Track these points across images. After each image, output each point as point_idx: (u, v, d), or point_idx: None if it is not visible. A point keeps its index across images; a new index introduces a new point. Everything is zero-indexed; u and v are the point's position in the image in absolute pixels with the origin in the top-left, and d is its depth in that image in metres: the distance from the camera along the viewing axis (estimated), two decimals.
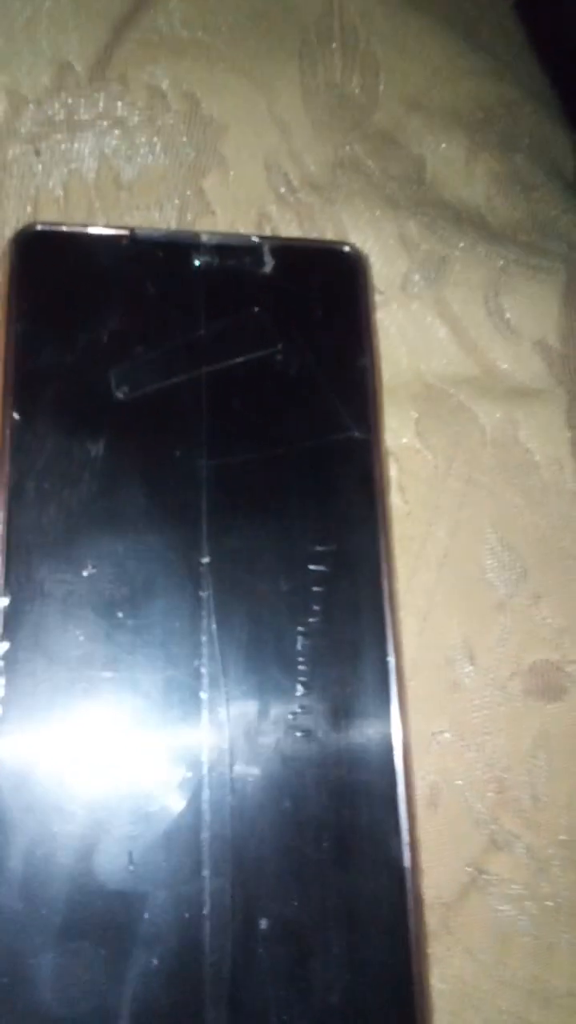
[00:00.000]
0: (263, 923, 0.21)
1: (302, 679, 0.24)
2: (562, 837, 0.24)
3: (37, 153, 0.28)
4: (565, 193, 0.34)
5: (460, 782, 0.24)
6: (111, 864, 0.21)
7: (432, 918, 0.23)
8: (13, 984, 0.20)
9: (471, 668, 0.25)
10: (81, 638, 0.23)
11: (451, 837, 0.24)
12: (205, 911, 0.21)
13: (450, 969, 0.23)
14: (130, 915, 0.21)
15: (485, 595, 0.26)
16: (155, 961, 0.21)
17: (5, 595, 0.23)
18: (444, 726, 0.24)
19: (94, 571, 0.23)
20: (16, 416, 0.24)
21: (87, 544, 0.24)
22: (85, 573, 0.23)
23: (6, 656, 0.22)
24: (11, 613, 0.23)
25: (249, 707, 0.23)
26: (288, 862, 0.22)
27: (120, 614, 0.23)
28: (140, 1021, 0.20)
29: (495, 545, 0.26)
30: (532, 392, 0.29)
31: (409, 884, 0.22)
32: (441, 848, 0.23)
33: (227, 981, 0.21)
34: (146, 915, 0.21)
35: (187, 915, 0.21)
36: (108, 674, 0.23)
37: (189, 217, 0.29)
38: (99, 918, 0.21)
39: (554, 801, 0.24)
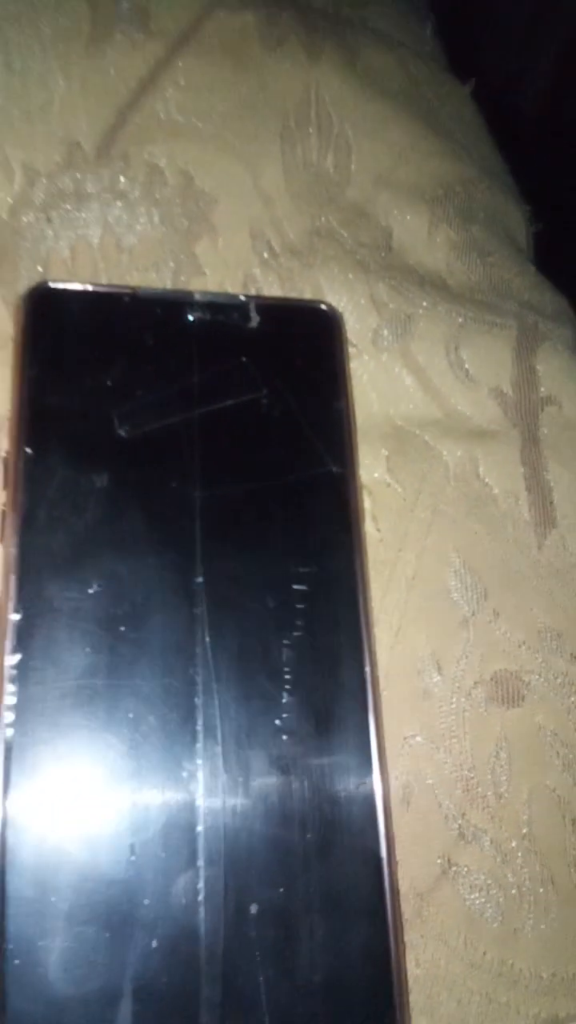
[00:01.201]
0: (253, 908, 0.23)
1: (287, 687, 0.26)
2: (524, 830, 0.26)
3: (48, 220, 0.31)
4: (517, 258, 0.38)
5: (431, 781, 0.26)
6: (115, 856, 0.23)
7: (407, 907, 0.25)
8: (26, 965, 0.22)
9: (439, 678, 0.27)
10: (87, 650, 0.25)
11: (423, 832, 0.26)
12: (200, 898, 0.23)
13: (424, 954, 0.25)
14: (132, 902, 0.23)
15: (450, 612, 0.28)
16: (155, 943, 0.23)
17: (18, 611, 0.25)
18: (415, 730, 0.27)
19: (99, 589, 0.26)
20: (29, 451, 0.27)
21: (92, 565, 0.26)
22: (91, 591, 0.26)
23: (18, 667, 0.24)
24: (23, 627, 0.25)
25: (239, 712, 0.25)
26: (275, 853, 0.24)
27: (122, 628, 0.26)
28: (142, 997, 0.22)
29: (459, 568, 0.29)
30: (489, 433, 0.32)
31: (386, 875, 0.24)
32: (414, 842, 0.26)
33: (220, 961, 0.23)
34: (146, 901, 0.23)
35: (184, 901, 0.23)
36: (111, 682, 0.25)
37: (183, 278, 0.32)
38: (104, 905, 0.23)
39: (516, 797, 0.27)
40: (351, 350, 0.32)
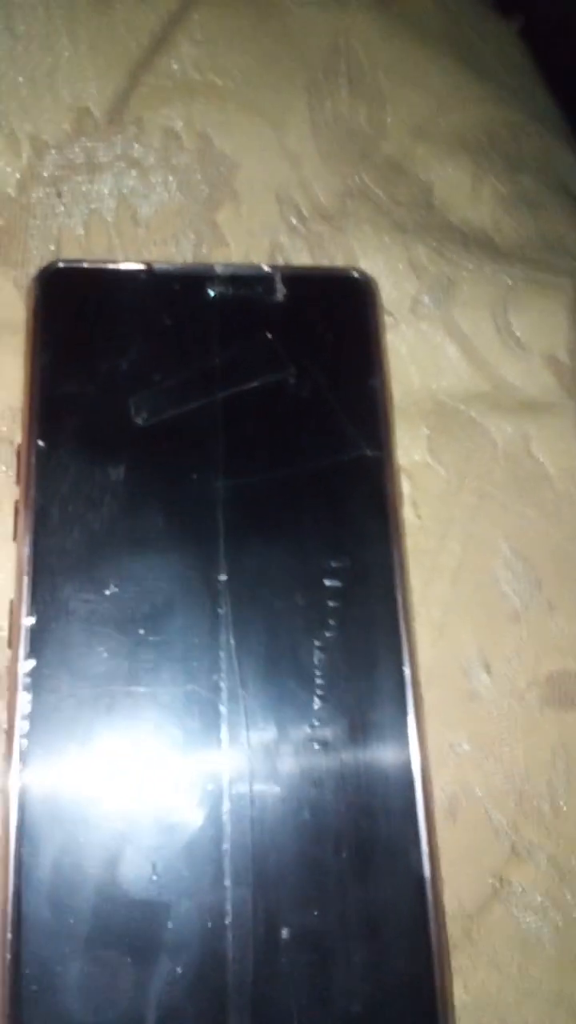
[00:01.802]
0: (284, 933, 0.22)
1: (319, 692, 0.24)
2: None
3: (59, 195, 0.29)
4: (572, 210, 0.35)
5: (479, 793, 0.24)
6: (136, 875, 0.22)
7: (455, 929, 0.23)
8: (42, 991, 0.21)
9: (487, 679, 0.25)
10: (104, 655, 0.24)
11: (471, 848, 0.24)
12: (227, 921, 0.22)
13: (474, 980, 0.23)
14: (154, 924, 0.21)
15: (500, 606, 0.26)
16: (179, 969, 0.21)
17: (31, 614, 0.24)
18: (462, 737, 0.25)
19: (116, 590, 0.24)
20: (41, 443, 0.25)
21: (109, 564, 0.25)
22: (107, 592, 0.24)
23: (32, 673, 0.23)
24: (37, 631, 0.24)
25: (268, 720, 0.24)
26: (308, 873, 0.22)
27: (141, 631, 0.24)
28: None
29: (509, 556, 0.27)
30: (543, 406, 0.29)
31: (430, 895, 0.22)
32: (462, 859, 0.24)
33: (249, 989, 0.21)
34: (170, 924, 0.21)
35: (210, 924, 0.22)
36: (130, 689, 0.23)
37: (204, 250, 0.30)
38: (124, 928, 0.21)
39: (575, 810, 0.24)
40: (388, 320, 0.30)
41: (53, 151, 0.30)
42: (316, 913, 0.22)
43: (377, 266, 0.31)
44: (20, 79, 0.29)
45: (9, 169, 0.29)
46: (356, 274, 0.29)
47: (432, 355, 0.30)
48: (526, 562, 0.27)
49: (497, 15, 0.39)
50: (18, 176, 0.29)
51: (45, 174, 0.29)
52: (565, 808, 0.24)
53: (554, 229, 0.33)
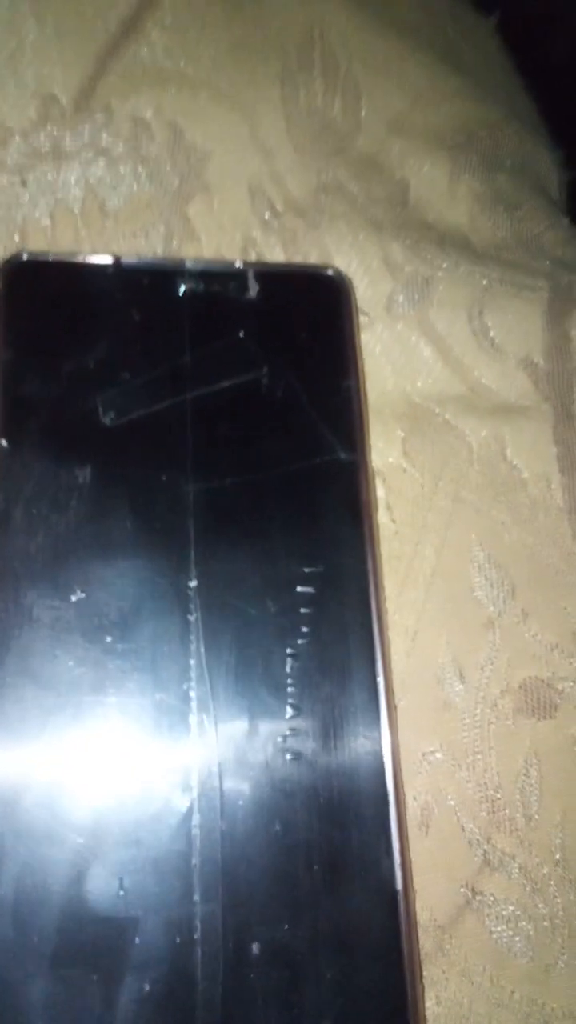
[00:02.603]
0: (255, 948, 0.21)
1: (291, 701, 0.24)
2: (557, 856, 0.24)
3: (24, 184, 0.28)
4: (549, 210, 0.35)
5: (452, 802, 0.24)
6: (102, 890, 0.21)
7: (427, 940, 0.23)
8: (5, 1011, 0.20)
9: (461, 687, 0.25)
10: (70, 663, 0.23)
11: (444, 858, 0.23)
12: (196, 936, 0.21)
13: (446, 992, 0.23)
14: (121, 941, 0.21)
15: (474, 613, 0.26)
16: (146, 987, 0.21)
17: None
18: (435, 746, 0.24)
19: (83, 596, 0.24)
20: (4, 443, 0.25)
21: (75, 569, 0.24)
22: (74, 598, 0.23)
23: None
24: (0, 640, 0.23)
25: (239, 730, 0.23)
26: (279, 886, 0.22)
27: (109, 639, 0.23)
28: None
29: (483, 562, 0.26)
30: (518, 409, 0.29)
31: (402, 906, 0.22)
32: (434, 869, 0.23)
33: (219, 1007, 0.21)
34: (137, 941, 0.21)
35: (178, 940, 0.21)
36: (97, 699, 0.23)
37: (174, 244, 0.29)
38: (90, 944, 0.21)
39: (548, 820, 0.24)
40: (363, 319, 0.29)
41: (17, 138, 0.28)
42: (287, 927, 0.22)
43: (351, 264, 0.30)
44: None
45: None
46: (331, 272, 0.29)
47: (407, 356, 0.29)
48: (500, 568, 0.26)
49: (474, 9, 0.39)
50: None
51: (9, 162, 0.28)
52: (537, 817, 0.24)
53: (531, 229, 0.33)
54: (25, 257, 0.27)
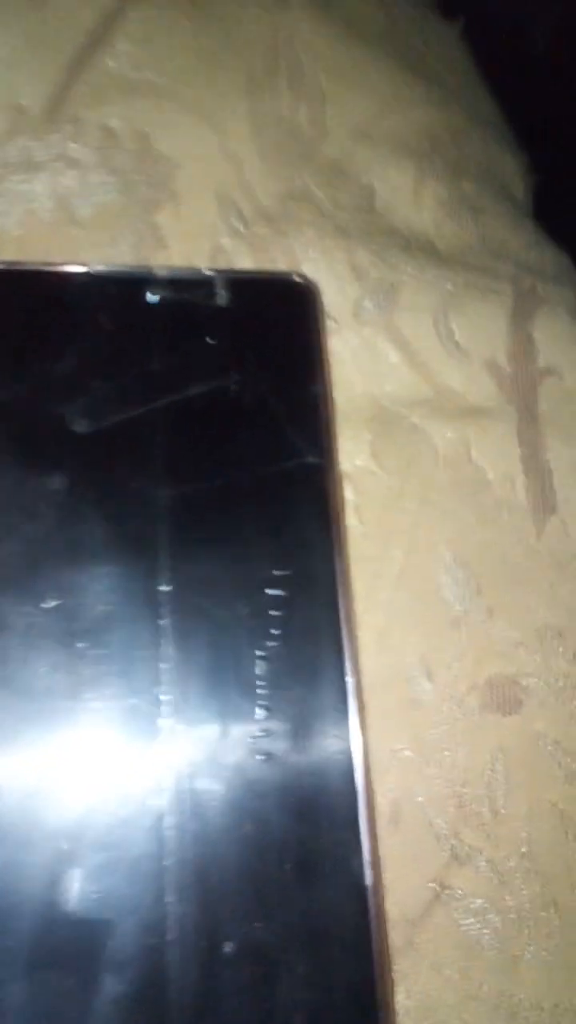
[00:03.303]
0: (227, 947, 0.22)
1: (262, 702, 0.24)
2: (523, 849, 0.24)
3: None
4: (514, 214, 0.35)
5: (421, 798, 0.24)
6: (74, 893, 0.21)
7: (397, 935, 0.23)
8: None
9: (429, 685, 0.25)
10: (43, 669, 0.23)
11: (413, 854, 0.24)
12: (169, 937, 0.21)
13: (416, 985, 0.23)
14: (93, 943, 0.21)
15: (441, 612, 0.26)
16: (120, 988, 0.21)
17: None
18: (404, 743, 0.25)
19: (55, 603, 0.24)
20: None
21: (47, 576, 0.24)
22: (46, 605, 0.24)
23: None
24: None
25: (210, 732, 0.23)
26: (251, 885, 0.22)
27: (80, 644, 0.24)
28: None
29: (449, 562, 0.27)
30: (483, 411, 0.29)
31: (372, 902, 0.22)
32: (403, 865, 0.24)
33: (192, 1007, 0.21)
34: (109, 943, 0.21)
35: (151, 942, 0.21)
36: (70, 704, 0.23)
37: (144, 252, 0.30)
38: (62, 947, 0.21)
39: (514, 814, 0.24)
40: (330, 325, 0.29)
41: None
42: (259, 926, 0.22)
43: (319, 270, 0.30)
44: None
45: None
46: (298, 279, 0.29)
47: (374, 360, 0.30)
48: (466, 568, 0.27)
49: (439, 16, 0.39)
50: None
51: None
52: (504, 811, 0.24)
53: (495, 234, 0.33)
54: None
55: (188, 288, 0.28)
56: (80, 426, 0.26)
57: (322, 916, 0.22)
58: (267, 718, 0.24)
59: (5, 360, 0.26)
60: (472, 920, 0.24)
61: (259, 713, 0.24)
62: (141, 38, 0.31)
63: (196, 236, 0.30)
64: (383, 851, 0.23)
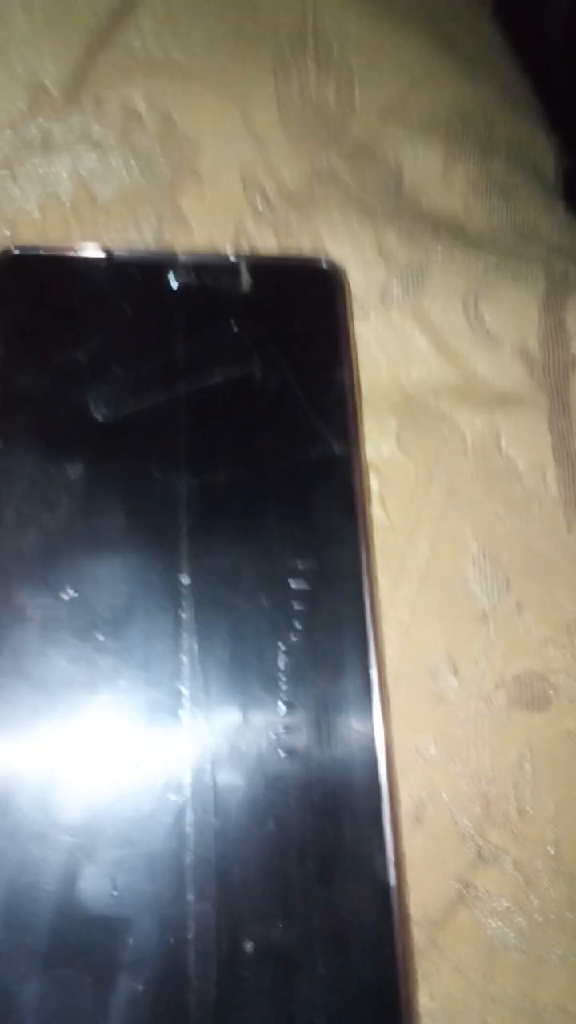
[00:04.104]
0: (248, 946, 0.21)
1: (284, 697, 0.23)
2: (550, 850, 0.24)
3: (14, 177, 0.28)
4: (545, 195, 0.34)
5: (445, 796, 0.24)
6: (94, 890, 0.21)
7: (420, 935, 0.23)
8: None
9: (455, 680, 0.25)
10: (62, 662, 0.23)
11: (437, 853, 0.23)
12: (190, 936, 0.21)
13: (438, 986, 0.23)
14: (114, 941, 0.21)
15: (468, 606, 0.26)
16: (140, 987, 0.21)
17: None
18: (428, 740, 0.24)
19: (74, 594, 0.23)
20: None
21: (67, 567, 0.24)
22: (65, 596, 0.23)
23: None
24: None
25: (231, 726, 0.23)
26: (273, 883, 0.22)
27: (101, 637, 0.23)
28: None
29: (477, 555, 0.26)
30: (513, 399, 0.29)
31: (395, 901, 0.22)
32: (427, 864, 0.23)
33: (213, 1006, 0.21)
34: (130, 941, 0.21)
35: (172, 940, 0.21)
36: (89, 697, 0.23)
37: (167, 235, 0.29)
38: (83, 945, 0.21)
39: (541, 813, 0.24)
40: (356, 310, 0.29)
41: (7, 130, 0.28)
42: (281, 925, 0.22)
43: (345, 253, 0.30)
44: None
45: None
46: (325, 263, 0.29)
47: (401, 346, 0.29)
48: (494, 561, 0.26)
49: None
50: None
51: None
52: (531, 811, 0.24)
53: (526, 216, 0.32)
54: (16, 251, 0.27)
55: (213, 273, 0.28)
56: (101, 414, 0.25)
57: (345, 915, 0.22)
58: (290, 712, 0.23)
59: (25, 346, 0.26)
60: (497, 921, 0.23)
61: (281, 707, 0.23)
62: (165, 15, 0.30)
63: (220, 218, 0.29)
64: (406, 849, 0.23)
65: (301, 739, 0.23)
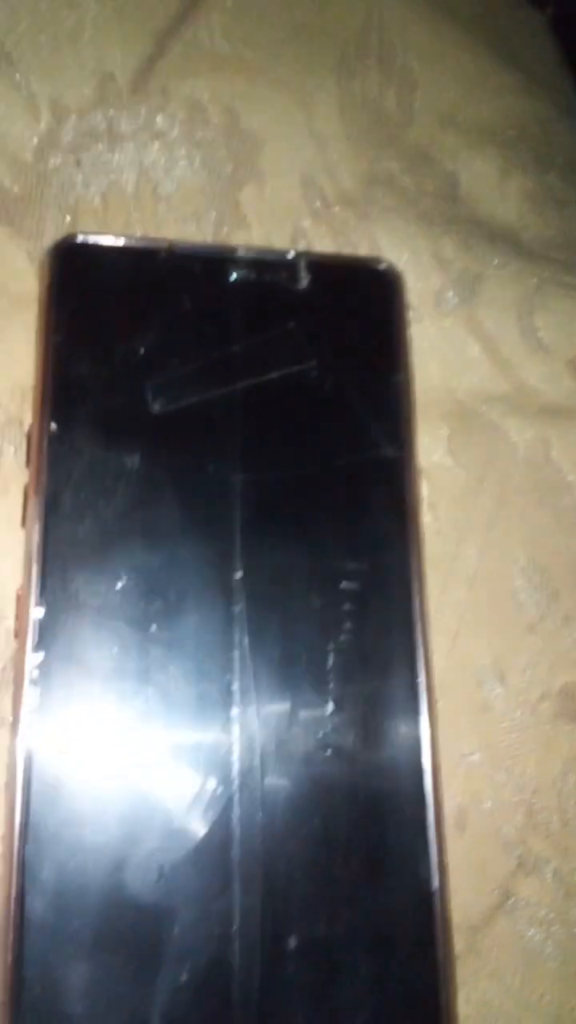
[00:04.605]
0: (292, 942, 0.21)
1: (332, 696, 0.23)
2: None
3: (78, 164, 0.28)
4: None
5: (489, 804, 0.24)
6: (141, 878, 0.21)
7: (459, 940, 0.23)
8: (45, 994, 0.20)
9: (501, 689, 0.25)
10: (115, 650, 0.23)
11: (479, 860, 0.23)
12: (235, 928, 0.21)
13: (476, 992, 0.23)
14: (160, 930, 0.21)
15: (515, 616, 0.26)
16: (184, 976, 0.21)
17: (41, 605, 0.23)
18: (473, 748, 0.24)
19: (128, 583, 0.23)
20: (53, 427, 0.24)
21: (121, 556, 0.24)
22: (119, 585, 0.23)
23: (41, 667, 0.22)
24: (46, 624, 0.23)
25: (280, 723, 0.23)
26: (317, 881, 0.22)
27: (153, 627, 0.23)
28: None
29: (525, 565, 0.26)
30: (565, 410, 0.29)
31: (437, 906, 0.22)
32: (469, 871, 0.23)
33: (256, 998, 0.21)
34: (176, 930, 0.21)
35: (217, 931, 0.21)
36: (140, 687, 0.23)
37: (225, 230, 0.29)
38: (129, 932, 0.21)
39: None
40: (411, 314, 0.29)
41: (74, 117, 0.28)
42: (324, 922, 0.22)
43: (401, 257, 0.30)
44: (42, 38, 0.28)
45: (27, 133, 0.27)
46: (383, 265, 0.29)
47: (454, 353, 0.29)
48: (543, 571, 0.26)
49: (528, 3, 0.38)
50: (36, 141, 0.28)
51: (64, 141, 0.28)
52: (574, 822, 0.24)
53: None
54: (79, 239, 0.26)
55: (272, 270, 0.27)
56: (158, 406, 0.25)
57: (388, 917, 0.22)
58: (337, 712, 0.23)
59: (85, 336, 0.26)
60: (536, 930, 0.23)
61: (329, 706, 0.23)
62: (234, 10, 0.30)
63: (278, 216, 0.30)
64: (448, 855, 0.23)
65: (348, 739, 0.23)
